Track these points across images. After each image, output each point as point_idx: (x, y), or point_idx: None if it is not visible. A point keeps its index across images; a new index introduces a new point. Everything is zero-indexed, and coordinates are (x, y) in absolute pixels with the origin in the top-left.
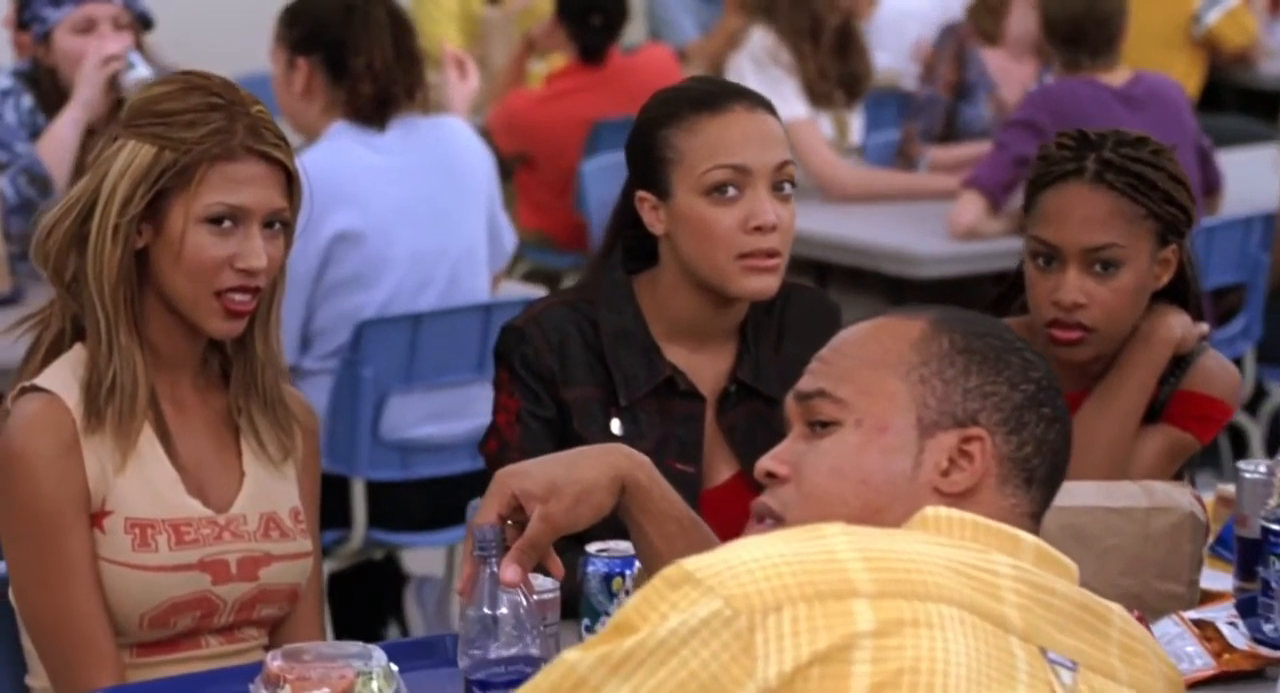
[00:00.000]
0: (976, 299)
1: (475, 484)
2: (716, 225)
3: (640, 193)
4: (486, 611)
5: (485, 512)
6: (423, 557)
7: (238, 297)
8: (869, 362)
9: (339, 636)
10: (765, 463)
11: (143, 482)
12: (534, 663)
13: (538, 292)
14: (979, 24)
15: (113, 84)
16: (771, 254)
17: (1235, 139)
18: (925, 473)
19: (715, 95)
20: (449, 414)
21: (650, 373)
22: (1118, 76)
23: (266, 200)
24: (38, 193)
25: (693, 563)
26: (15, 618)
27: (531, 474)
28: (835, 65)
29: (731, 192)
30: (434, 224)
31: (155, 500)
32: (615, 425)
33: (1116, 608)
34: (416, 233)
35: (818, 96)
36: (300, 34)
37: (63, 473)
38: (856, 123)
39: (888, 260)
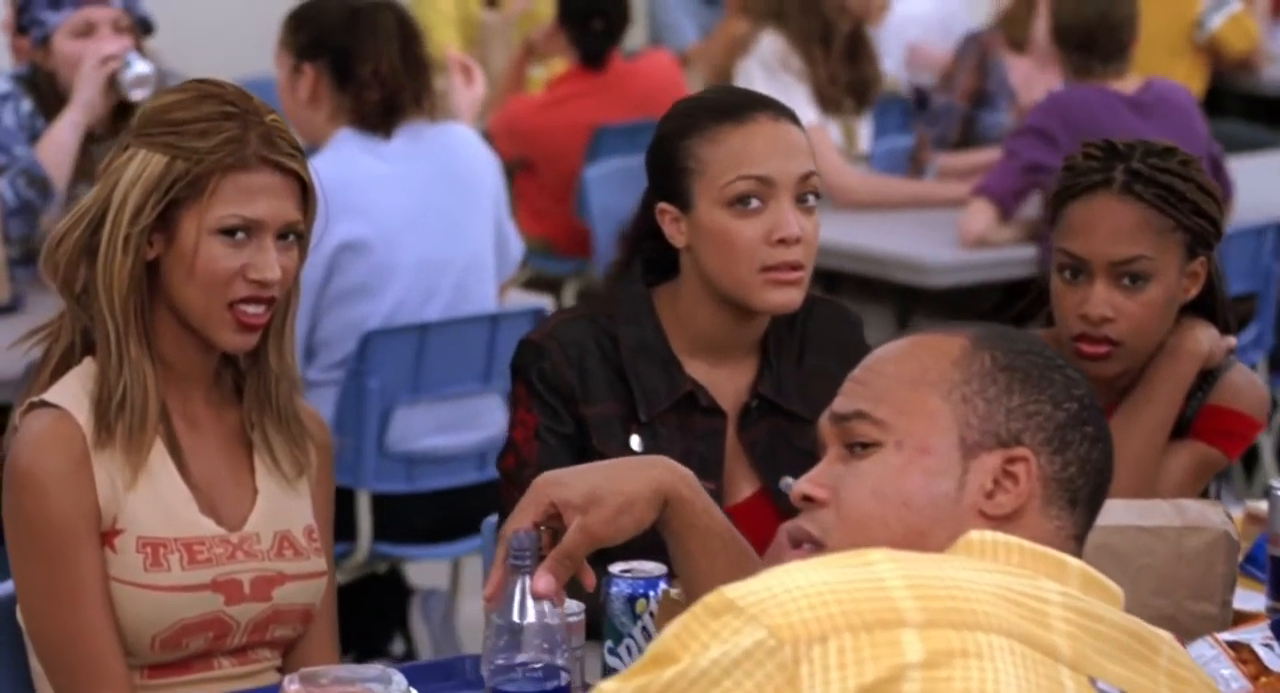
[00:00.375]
0: (986, 308)
1: (481, 497)
2: (739, 237)
3: (661, 204)
4: (515, 619)
5: (520, 518)
6: (426, 570)
7: (250, 308)
8: (908, 381)
9: (343, 650)
10: (802, 486)
11: (154, 500)
12: (556, 674)
13: (540, 300)
14: (1010, 32)
15: (112, 85)
16: (795, 267)
17: (1239, 145)
18: (969, 495)
19: (738, 105)
20: (455, 426)
21: (670, 388)
22: (1129, 84)
23: (280, 212)
24: (37, 195)
25: (734, 591)
26: (23, 638)
27: (571, 483)
28: (845, 71)
29: (755, 203)
30: (440, 232)
31: (167, 519)
32: (635, 442)
33: (1165, 636)
34: (423, 241)
35: (827, 103)
36: (306, 40)
37: (73, 491)
38: (865, 130)
39: (897, 269)
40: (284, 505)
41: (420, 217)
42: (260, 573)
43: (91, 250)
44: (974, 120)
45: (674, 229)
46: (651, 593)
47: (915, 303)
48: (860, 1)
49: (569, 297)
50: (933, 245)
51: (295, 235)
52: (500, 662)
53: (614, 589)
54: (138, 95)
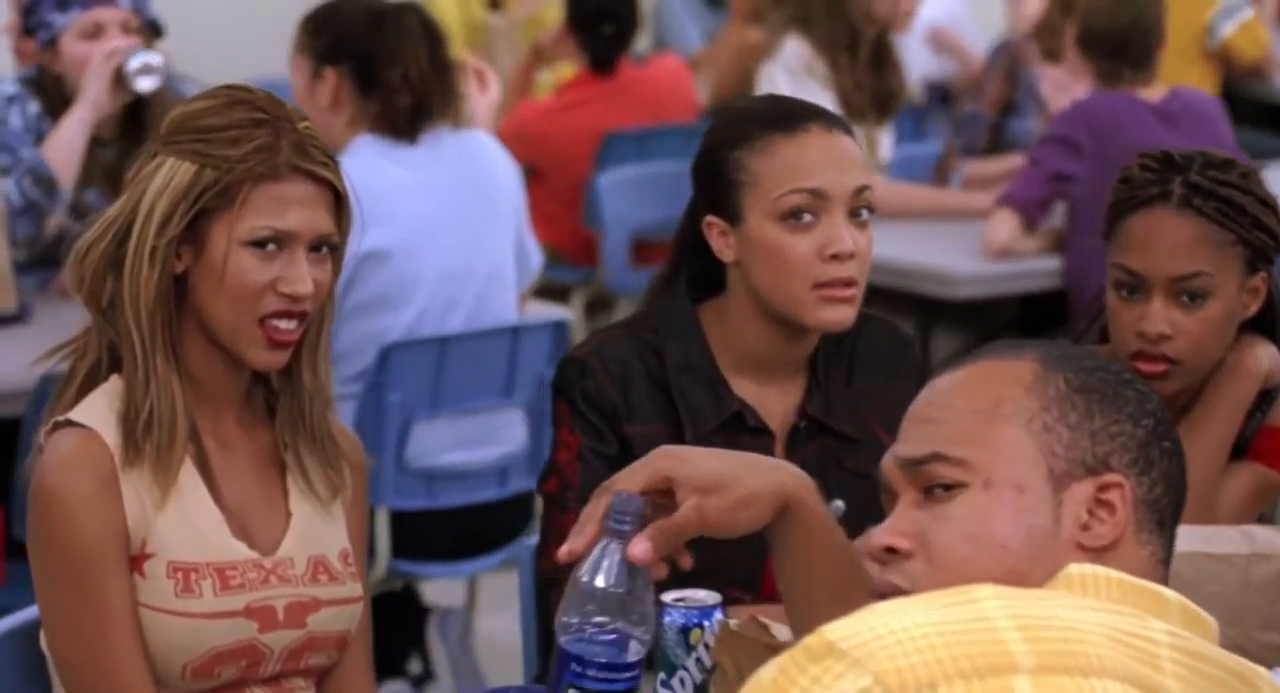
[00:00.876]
0: (1007, 320)
1: (501, 514)
2: (791, 253)
3: (708, 217)
4: (600, 584)
5: (630, 480)
6: (441, 588)
7: (282, 324)
8: (982, 414)
9: None
10: (883, 538)
11: (185, 523)
12: (625, 644)
13: (562, 311)
14: (1044, 42)
15: (120, 82)
16: (849, 283)
17: (1250, 154)
18: (1066, 529)
19: (790, 115)
20: (476, 441)
21: (717, 407)
22: (1155, 92)
23: (313, 223)
24: (43, 194)
25: (836, 632)
26: (48, 666)
27: (696, 462)
28: (870, 80)
29: (807, 217)
30: (462, 242)
31: (198, 543)
32: None
33: (1264, 673)
34: (445, 251)
35: (852, 111)
36: (327, 43)
37: (101, 513)
38: (886, 139)
39: (921, 280)
40: (318, 529)
41: (443, 226)
42: (295, 599)
43: (118, 262)
44: (1002, 128)
45: (722, 243)
46: (706, 623)
47: (937, 314)
48: (887, 8)
49: (577, 305)
50: (956, 256)
51: (329, 247)
52: (573, 620)
53: (667, 619)
54: (144, 84)
